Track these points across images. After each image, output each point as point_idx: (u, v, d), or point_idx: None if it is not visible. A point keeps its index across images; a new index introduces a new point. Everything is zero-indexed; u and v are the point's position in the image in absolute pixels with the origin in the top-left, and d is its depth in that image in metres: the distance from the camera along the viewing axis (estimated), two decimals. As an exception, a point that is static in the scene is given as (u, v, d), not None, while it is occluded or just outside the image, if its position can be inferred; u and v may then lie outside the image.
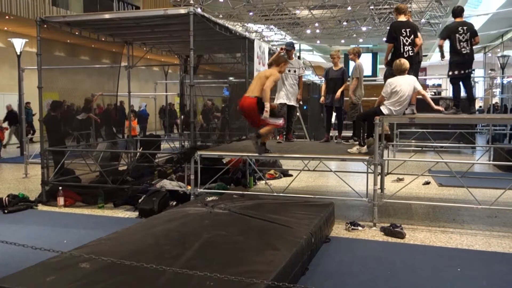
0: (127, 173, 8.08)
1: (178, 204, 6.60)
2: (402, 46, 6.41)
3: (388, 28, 7.03)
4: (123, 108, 13.71)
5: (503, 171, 9.86)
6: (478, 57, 46.35)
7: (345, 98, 8.20)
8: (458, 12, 6.61)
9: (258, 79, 6.36)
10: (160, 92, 18.12)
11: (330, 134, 8.50)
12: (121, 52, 9.59)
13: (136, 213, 6.61)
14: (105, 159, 8.91)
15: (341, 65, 8.25)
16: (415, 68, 6.68)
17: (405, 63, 6.12)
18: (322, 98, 8.23)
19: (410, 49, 6.44)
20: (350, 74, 8.09)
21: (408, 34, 6.42)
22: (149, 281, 3.30)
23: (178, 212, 5.43)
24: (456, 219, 6.41)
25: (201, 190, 6.69)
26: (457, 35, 6.43)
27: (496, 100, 25.62)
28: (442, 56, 6.74)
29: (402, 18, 6.57)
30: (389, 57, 6.71)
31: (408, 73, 6.22)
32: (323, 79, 8.65)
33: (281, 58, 6.78)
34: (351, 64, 8.25)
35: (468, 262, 4.68)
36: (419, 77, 6.84)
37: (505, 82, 27.94)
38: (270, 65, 6.73)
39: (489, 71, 32.43)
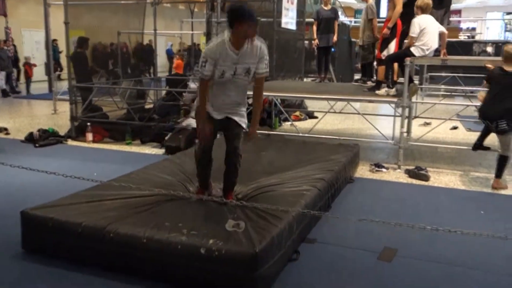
0: (154, 111, 8.18)
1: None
2: None
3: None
4: (151, 47, 13.64)
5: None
6: (518, -2, 43.66)
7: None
8: None
9: None
10: (186, 31, 17.88)
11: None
12: (147, -12, 9.41)
13: (163, 150, 6.75)
14: (132, 97, 9.00)
15: (330, 5, 8.16)
16: (447, 8, 6.37)
17: (429, 0, 5.84)
18: (315, 42, 8.11)
19: None
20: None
21: None
22: (181, 210, 3.43)
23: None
24: (482, 163, 6.33)
25: (226, 129, 6.74)
26: None
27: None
28: None
29: None
30: None
31: (447, 17, 5.96)
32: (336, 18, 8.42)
33: None
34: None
35: (492, 206, 4.67)
36: (452, 19, 6.54)
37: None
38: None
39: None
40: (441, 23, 6.17)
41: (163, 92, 9.74)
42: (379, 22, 7.39)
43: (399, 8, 6.31)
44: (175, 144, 6.58)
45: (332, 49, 14.32)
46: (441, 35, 5.91)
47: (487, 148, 5.60)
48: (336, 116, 8.81)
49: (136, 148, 7.03)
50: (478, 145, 5.55)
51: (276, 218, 3.20)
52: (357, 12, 26.66)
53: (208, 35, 11.88)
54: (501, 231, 3.97)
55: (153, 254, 2.97)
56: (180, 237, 2.96)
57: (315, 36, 8.20)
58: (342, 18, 22.49)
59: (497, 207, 4.63)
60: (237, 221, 3.20)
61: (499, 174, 5.17)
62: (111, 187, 3.83)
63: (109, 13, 9.91)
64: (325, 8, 8.02)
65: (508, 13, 28.27)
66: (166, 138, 6.88)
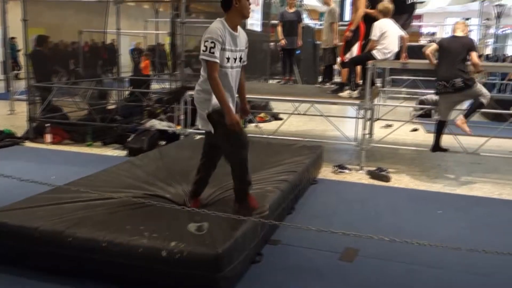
0: (116, 112, 8.03)
1: (167, 144, 6.62)
2: None
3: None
4: (113, 47, 13.39)
5: (490, 120, 9.95)
6: (474, 5, 45.58)
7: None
8: None
9: None
10: (151, 31, 17.62)
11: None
12: (109, -15, 9.22)
13: (125, 152, 6.63)
14: (93, 97, 8.80)
15: (295, 7, 8.35)
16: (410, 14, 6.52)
17: (390, 5, 5.99)
18: (282, 41, 8.20)
19: None
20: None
21: None
22: (143, 213, 3.37)
23: (167, 150, 5.47)
24: (441, 164, 6.54)
25: (191, 130, 6.70)
26: None
27: (489, 51, 25.41)
28: None
29: None
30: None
31: (408, 22, 6.15)
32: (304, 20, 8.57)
33: None
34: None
35: (449, 205, 4.82)
36: (413, 24, 6.72)
37: (499, 32, 27.62)
38: None
39: (484, 21, 31.88)
40: (404, 28, 6.32)
41: (127, 93, 9.58)
42: (343, 25, 7.54)
43: (361, 11, 6.43)
44: (138, 146, 6.48)
45: (297, 52, 14.48)
46: (401, 39, 6.06)
47: (445, 150, 5.80)
48: (301, 117, 8.88)
49: (97, 150, 6.87)
50: (436, 147, 5.75)
51: (240, 220, 3.19)
52: (321, 15, 26.98)
53: (173, 35, 11.84)
54: (457, 231, 4.12)
55: (114, 258, 2.90)
56: (141, 240, 2.91)
57: (281, 36, 8.26)
58: (307, 20, 22.77)
59: (454, 206, 4.78)
60: (200, 223, 3.17)
61: (468, 114, 5.54)
62: (69, 190, 3.73)
63: (70, 11, 9.65)
64: (289, 10, 8.09)
65: (467, 19, 29.38)
66: (129, 139, 6.76)
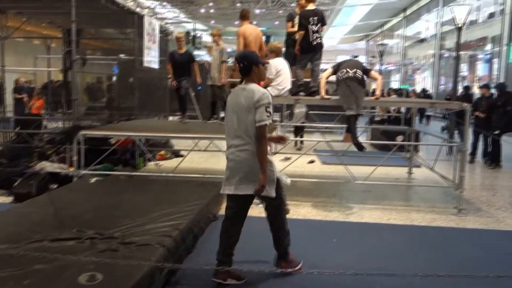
0: (1, 154, 7.40)
1: (59, 187, 6.22)
2: (310, 34, 6.50)
3: (280, 12, 7.21)
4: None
5: (379, 150, 10.77)
6: (361, 44, 49.67)
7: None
8: None
9: None
10: (42, 68, 16.71)
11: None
12: (-8, 20, 8.67)
13: (11, 198, 6.10)
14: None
15: (185, 48, 8.17)
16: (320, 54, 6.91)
17: (280, 44, 6.36)
18: (173, 82, 8.05)
19: (318, 36, 6.58)
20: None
21: (315, 22, 6.54)
22: (29, 264, 3.09)
23: (58, 194, 5.14)
24: (336, 194, 6.89)
25: (85, 171, 6.37)
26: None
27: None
28: None
29: (311, 6, 6.60)
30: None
31: (316, 59, 6.52)
32: None
33: None
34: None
35: (343, 233, 5.07)
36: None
37: (383, 68, 30.34)
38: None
39: (370, 58, 34.90)
40: (314, 65, 6.70)
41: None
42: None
43: (238, 49, 6.76)
44: (26, 191, 5.99)
45: (198, 88, 14.60)
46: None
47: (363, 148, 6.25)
48: (203, 154, 8.88)
49: (-22, 197, 6.24)
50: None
51: (136, 267, 3.06)
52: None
53: (65, 72, 11.33)
54: (351, 257, 4.33)
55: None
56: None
57: (171, 77, 8.04)
58: (207, 57, 23.14)
59: (347, 235, 5.03)
60: (92, 273, 2.99)
61: (349, 129, 6.15)
62: None
63: None
64: (180, 51, 7.91)
65: (355, 56, 31.97)
66: (15, 184, 6.23)
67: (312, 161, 9.35)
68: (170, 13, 32.33)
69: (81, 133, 6.27)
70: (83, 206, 4.68)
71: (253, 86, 3.53)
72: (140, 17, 8.58)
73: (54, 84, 17.10)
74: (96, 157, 6.67)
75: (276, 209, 3.85)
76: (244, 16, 7.10)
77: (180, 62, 7.70)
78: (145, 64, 9.13)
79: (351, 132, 6.18)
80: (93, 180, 5.79)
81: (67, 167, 6.79)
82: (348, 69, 5.92)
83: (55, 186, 6.36)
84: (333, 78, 6.44)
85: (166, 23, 30.41)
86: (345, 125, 6.85)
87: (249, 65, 3.53)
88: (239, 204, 3.68)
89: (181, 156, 9.35)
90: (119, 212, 4.48)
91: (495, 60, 20.17)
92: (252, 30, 7.07)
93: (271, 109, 3.47)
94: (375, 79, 6.23)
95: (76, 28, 6.64)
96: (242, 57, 3.65)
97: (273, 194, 3.67)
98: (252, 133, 3.47)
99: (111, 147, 7.19)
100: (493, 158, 9.53)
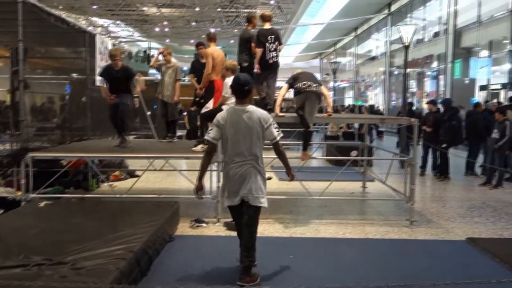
0: None
1: (6, 212, 5.94)
2: (267, 52, 6.55)
3: (235, 31, 7.31)
4: None
5: (334, 165, 10.98)
6: (315, 62, 50.91)
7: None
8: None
9: None
10: (-12, 88, 16.07)
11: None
12: None
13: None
14: None
15: (120, 63, 7.32)
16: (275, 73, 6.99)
17: (235, 62, 6.45)
18: (111, 97, 7.45)
19: (275, 55, 6.66)
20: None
21: (273, 41, 6.61)
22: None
23: (4, 219, 4.91)
24: (292, 210, 6.94)
25: (34, 195, 6.13)
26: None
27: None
28: None
29: (267, 25, 6.71)
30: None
31: (271, 78, 6.61)
32: None
33: None
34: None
35: (300, 249, 5.12)
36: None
37: (336, 85, 31.14)
38: None
39: (324, 75, 35.72)
40: (269, 83, 6.77)
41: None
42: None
43: (207, 69, 6.76)
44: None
45: (154, 106, 14.38)
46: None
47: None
48: (158, 173, 8.75)
49: None
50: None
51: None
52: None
53: (13, 93, 10.91)
54: (306, 272, 4.36)
55: None
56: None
57: (104, 93, 7.48)
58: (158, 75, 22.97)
59: (303, 250, 5.07)
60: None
61: (305, 147, 6.49)
62: None
63: None
64: (116, 68, 7.43)
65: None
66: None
67: (269, 178, 9.39)
68: (124, 31, 32.00)
69: (29, 155, 6.05)
70: (31, 231, 4.49)
71: (253, 108, 3.99)
72: (92, 36, 8.45)
73: (1, 105, 16.49)
74: (46, 179, 6.45)
75: (254, 219, 4.24)
76: (212, 38, 7.25)
77: (115, 78, 7.11)
78: (98, 83, 8.94)
79: (306, 149, 6.45)
80: (42, 204, 5.58)
81: (14, 191, 6.51)
82: (311, 82, 6.15)
83: (2, 211, 6.07)
84: (288, 95, 6.60)
85: (121, 42, 30.07)
86: (301, 142, 6.96)
87: (250, 88, 3.91)
88: (255, 210, 4.17)
89: (136, 176, 9.18)
90: (70, 236, 4.33)
91: (441, 77, 21.14)
92: (219, 51, 7.26)
93: (277, 125, 4.05)
94: (323, 95, 6.35)
95: (23, 47, 6.43)
96: (249, 81, 4.00)
97: (266, 204, 4.20)
98: (256, 151, 4.01)
99: (62, 169, 6.98)
100: (441, 170, 9.92)
